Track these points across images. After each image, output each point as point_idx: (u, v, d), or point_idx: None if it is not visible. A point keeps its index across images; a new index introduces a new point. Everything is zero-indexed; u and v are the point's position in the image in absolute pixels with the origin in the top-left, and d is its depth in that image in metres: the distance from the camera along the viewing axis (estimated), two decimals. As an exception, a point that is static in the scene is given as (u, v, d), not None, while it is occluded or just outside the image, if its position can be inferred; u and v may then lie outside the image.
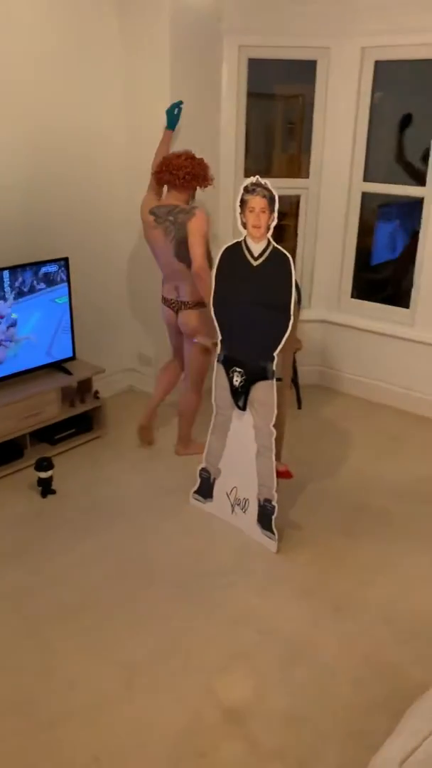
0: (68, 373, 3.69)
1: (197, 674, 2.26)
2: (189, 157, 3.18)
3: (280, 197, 2.62)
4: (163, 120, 3.58)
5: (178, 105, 3.50)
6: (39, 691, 2.17)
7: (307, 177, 4.24)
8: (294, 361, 4.16)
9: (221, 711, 2.12)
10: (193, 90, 3.80)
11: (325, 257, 4.36)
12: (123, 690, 2.19)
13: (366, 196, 4.21)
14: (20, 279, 3.36)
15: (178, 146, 3.83)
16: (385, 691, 2.19)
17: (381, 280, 4.98)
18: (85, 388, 3.79)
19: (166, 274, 3.35)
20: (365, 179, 4.14)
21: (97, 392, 3.83)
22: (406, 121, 4.18)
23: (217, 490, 3.12)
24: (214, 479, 3.12)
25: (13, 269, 3.32)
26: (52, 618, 2.49)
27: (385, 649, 2.38)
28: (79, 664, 2.29)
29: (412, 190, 4.01)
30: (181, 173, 3.13)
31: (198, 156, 3.24)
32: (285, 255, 2.63)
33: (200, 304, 3.24)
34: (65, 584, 2.67)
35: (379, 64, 3.91)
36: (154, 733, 2.04)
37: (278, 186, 2.67)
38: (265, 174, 2.82)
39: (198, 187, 3.26)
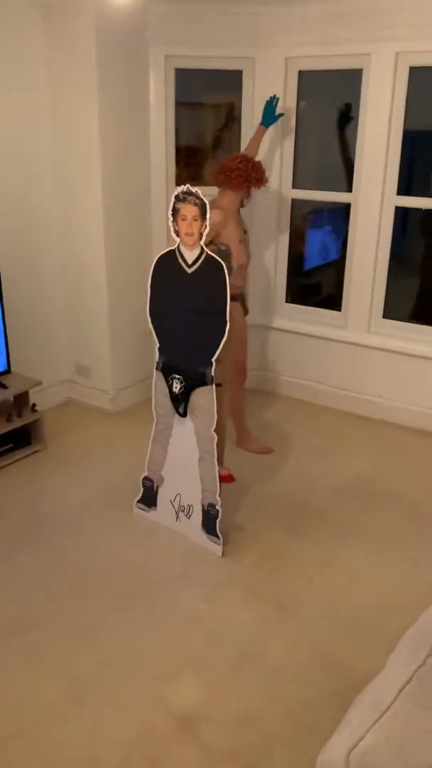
0: (3, 387, 3.62)
1: (147, 683, 2.25)
2: (244, 160, 3.34)
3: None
4: (90, 132, 3.57)
5: (275, 99, 3.69)
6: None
7: (238, 185, 4.29)
8: (233, 366, 4.22)
9: (172, 718, 2.12)
10: (121, 100, 3.82)
11: (259, 263, 4.43)
12: (72, 705, 2.16)
13: (297, 203, 4.31)
14: None
15: (108, 152, 3.84)
16: (333, 685, 2.24)
17: (314, 285, 5.10)
18: (21, 401, 3.73)
19: None
20: (294, 186, 4.23)
21: (34, 405, 3.77)
22: (344, 118, 4.28)
23: (161, 497, 3.12)
24: (158, 487, 3.12)
25: None
26: (-4, 637, 2.43)
27: (330, 644, 2.43)
28: (25, 682, 2.25)
29: (339, 197, 4.13)
30: (234, 174, 3.29)
31: (249, 158, 3.38)
32: (218, 262, 2.66)
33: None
34: (7, 601, 2.62)
35: (303, 74, 4.01)
36: (105, 746, 2.02)
37: (211, 194, 2.70)
38: (199, 182, 2.85)
39: (253, 188, 3.42)
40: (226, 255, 3.18)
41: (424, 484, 3.50)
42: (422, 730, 1.54)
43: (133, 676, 2.28)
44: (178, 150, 4.26)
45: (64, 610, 2.58)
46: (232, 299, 3.16)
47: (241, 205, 3.45)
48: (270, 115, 3.72)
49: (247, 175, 3.32)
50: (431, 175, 5.60)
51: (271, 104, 3.71)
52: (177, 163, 4.23)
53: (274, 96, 3.73)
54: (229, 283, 3.07)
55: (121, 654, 2.37)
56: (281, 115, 3.78)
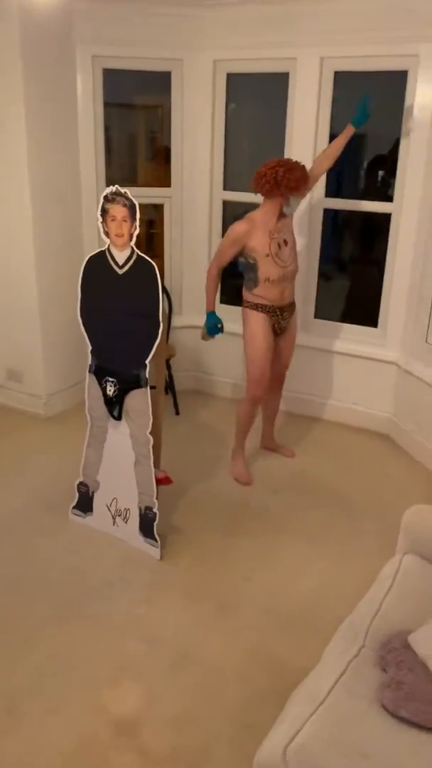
0: None
1: (85, 691, 2.22)
2: (277, 165, 3.09)
3: (148, 206, 2.64)
4: (17, 133, 3.49)
5: (366, 98, 3.26)
6: None
7: (170, 186, 4.29)
8: (168, 368, 4.20)
9: (111, 724, 2.10)
10: (48, 99, 3.75)
11: (193, 264, 4.44)
12: (5, 719, 2.11)
13: (229, 205, 4.33)
14: None
15: (36, 153, 3.76)
16: (271, 682, 2.26)
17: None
18: None
19: None
20: (225, 188, 4.26)
21: (-36, 412, 3.65)
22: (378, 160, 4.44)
23: (97, 502, 3.07)
24: (93, 492, 3.08)
25: None
26: None
27: (268, 641, 2.45)
28: (-42, 698, 2.17)
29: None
30: (262, 181, 3.12)
31: (284, 160, 3.14)
32: (150, 263, 2.64)
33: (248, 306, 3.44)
34: None
35: (231, 77, 4.04)
36: (43, 758, 1.98)
37: (143, 195, 2.69)
38: (131, 183, 2.83)
39: (291, 196, 3.14)
40: (249, 267, 3.23)
41: (357, 480, 3.58)
42: (356, 719, 1.58)
43: (70, 686, 2.24)
44: (109, 151, 4.21)
45: (-2, 621, 2.51)
46: (256, 309, 3.31)
47: (281, 214, 3.20)
48: (362, 115, 3.29)
49: (277, 182, 3.07)
50: (361, 176, 5.76)
51: (364, 103, 3.28)
52: (108, 164, 4.19)
53: (365, 94, 3.30)
54: (254, 294, 3.31)
55: (57, 664, 2.33)
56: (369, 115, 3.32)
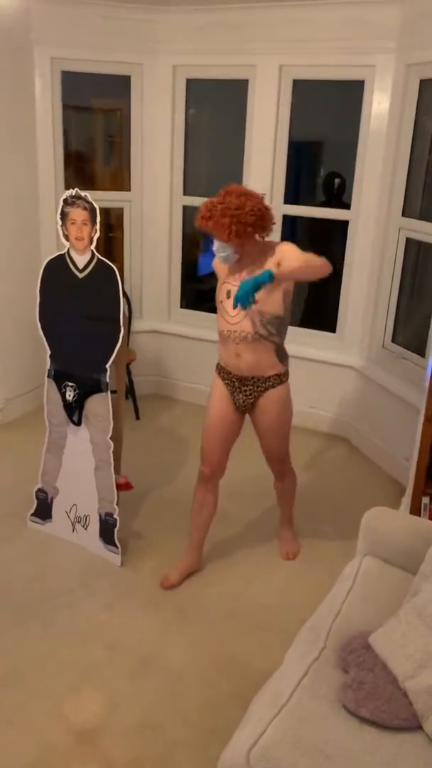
0: None
1: (45, 700, 2.18)
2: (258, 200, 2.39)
3: (106, 210, 2.63)
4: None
5: (248, 286, 2.30)
6: None
7: (130, 190, 4.28)
8: (128, 372, 4.18)
9: (73, 734, 2.07)
10: (5, 102, 3.69)
11: (153, 268, 4.43)
12: (-36, 731, 2.06)
13: (189, 210, 4.34)
14: None
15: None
16: (233, 686, 2.26)
17: (208, 290, 5.16)
18: None
19: None
20: (185, 193, 4.26)
21: None
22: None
23: (56, 509, 3.03)
24: (52, 498, 3.04)
25: None
26: None
27: (230, 645, 2.45)
28: None
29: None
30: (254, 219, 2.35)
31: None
32: (110, 267, 2.63)
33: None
34: None
35: (191, 82, 4.06)
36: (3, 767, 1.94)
37: (102, 198, 2.68)
38: (90, 187, 2.81)
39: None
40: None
41: (316, 484, 3.62)
42: (318, 720, 1.59)
43: (29, 696, 2.20)
44: (68, 154, 4.18)
45: None
46: (216, 368, 2.67)
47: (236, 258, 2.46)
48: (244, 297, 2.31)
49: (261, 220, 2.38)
50: (318, 183, 5.84)
51: (246, 289, 2.30)
52: (66, 167, 4.15)
53: (246, 280, 2.33)
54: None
55: (15, 674, 2.28)
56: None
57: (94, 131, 4.85)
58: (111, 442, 2.81)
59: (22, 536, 3.05)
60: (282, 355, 2.59)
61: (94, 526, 2.92)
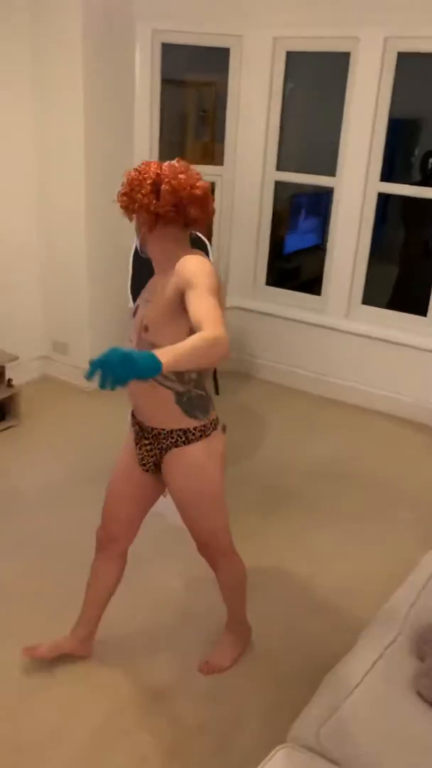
0: (-21, 361, 3.57)
1: (120, 657, 2.27)
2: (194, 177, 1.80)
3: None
4: (74, 106, 3.48)
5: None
6: None
7: (222, 165, 4.27)
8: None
9: (145, 691, 2.15)
10: (106, 76, 3.75)
11: (241, 244, 4.42)
12: (42, 679, 2.17)
13: (280, 186, 4.29)
14: None
15: (92, 126, 3.76)
16: (302, 663, 2.28)
17: (294, 268, 5.11)
18: (-3, 376, 3.69)
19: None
20: (278, 168, 4.22)
21: (10, 380, 3.73)
22: None
23: (137, 476, 3.11)
24: (133, 466, 3.10)
25: None
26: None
27: (300, 624, 2.47)
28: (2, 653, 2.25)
29: (323, 180, 4.12)
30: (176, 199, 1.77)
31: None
32: (202, 241, 2.65)
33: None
34: None
35: (291, 55, 3.98)
36: (76, 718, 2.04)
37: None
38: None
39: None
40: None
41: (393, 468, 3.55)
42: (390, 703, 1.59)
43: (105, 650, 2.29)
44: (161, 128, 4.20)
45: (36, 585, 2.58)
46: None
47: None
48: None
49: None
50: (412, 162, 5.65)
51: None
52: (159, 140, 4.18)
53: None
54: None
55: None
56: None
57: (187, 105, 4.86)
58: (193, 415, 2.84)
59: (102, 499, 3.14)
60: (192, 407, 1.83)
61: (173, 495, 2.97)
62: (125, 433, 3.09)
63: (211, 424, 1.89)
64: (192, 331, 1.58)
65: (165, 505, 3.02)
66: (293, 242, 5.19)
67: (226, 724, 2.05)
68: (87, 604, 2.19)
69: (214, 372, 4.31)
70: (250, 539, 2.89)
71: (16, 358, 3.74)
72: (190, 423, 1.84)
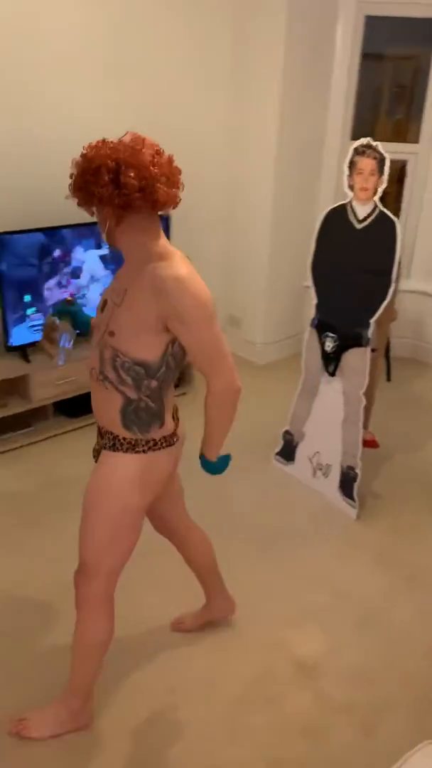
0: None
1: (270, 627, 2.32)
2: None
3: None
4: (272, 78, 3.48)
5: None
6: (118, 624, 2.28)
7: (417, 142, 4.08)
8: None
9: (292, 663, 2.18)
10: (306, 48, 3.72)
11: (429, 226, 4.22)
12: (197, 630, 2.28)
13: None
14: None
15: (288, 102, 3.76)
16: (459, 665, 2.18)
17: None
18: (176, 344, 3.86)
19: None
20: None
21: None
22: None
23: (300, 453, 3.14)
24: (297, 442, 3.14)
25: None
26: (133, 554, 2.59)
27: (461, 625, 2.36)
28: (156, 601, 2.39)
29: None
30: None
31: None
32: (391, 219, 2.57)
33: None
34: (145, 526, 2.77)
35: None
36: (225, 676, 2.12)
37: (385, 150, 2.59)
38: (372, 138, 2.74)
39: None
40: None
41: None
42: None
43: (256, 619, 2.35)
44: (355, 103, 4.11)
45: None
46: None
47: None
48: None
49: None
50: None
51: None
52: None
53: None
54: None
55: (247, 594, 2.44)
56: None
57: (382, 81, 4.68)
58: (363, 398, 2.80)
59: (265, 472, 3.21)
60: (131, 420, 1.64)
61: (335, 476, 2.96)
62: (291, 410, 3.12)
63: (147, 442, 1.66)
64: (167, 346, 1.56)
65: (324, 484, 3.02)
66: None
67: (373, 708, 2.03)
68: (199, 580, 2.21)
69: (388, 357, 4.18)
70: (410, 530, 2.80)
71: (194, 328, 3.89)
72: (122, 432, 1.66)
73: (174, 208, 1.57)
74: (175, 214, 3.73)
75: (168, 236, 3.60)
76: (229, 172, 4.09)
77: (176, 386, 3.35)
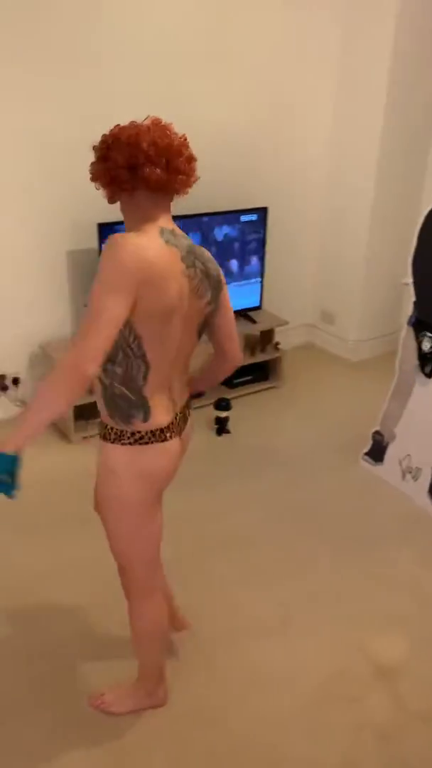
0: (253, 321, 3.78)
1: (350, 627, 2.29)
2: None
3: None
4: (380, 66, 3.41)
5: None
6: (202, 612, 2.32)
7: None
8: None
9: (372, 666, 2.15)
10: (416, 38, 3.60)
11: None
12: (278, 624, 2.29)
13: None
14: (222, 226, 3.48)
15: (396, 96, 3.67)
16: None
17: None
18: (266, 338, 3.87)
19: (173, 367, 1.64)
20: None
21: (277, 344, 3.89)
22: None
23: (389, 454, 3.07)
24: (387, 443, 3.07)
25: (214, 216, 3.44)
26: (217, 545, 2.64)
27: None
28: (240, 591, 2.42)
29: None
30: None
31: None
32: None
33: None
34: (231, 518, 2.81)
35: None
36: (304, 670, 2.12)
37: None
38: None
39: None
40: None
41: None
42: None
43: (337, 617, 2.33)
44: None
45: (278, 537, 2.70)
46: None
47: None
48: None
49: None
50: None
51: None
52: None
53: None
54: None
55: (329, 593, 2.43)
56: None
57: None
58: (460, 401, 2.71)
59: (352, 472, 3.17)
60: (110, 406, 1.59)
61: (425, 480, 2.88)
62: (382, 410, 3.06)
63: (132, 434, 1.58)
64: (132, 329, 1.46)
65: (413, 488, 2.94)
66: None
67: (453, 721, 1.97)
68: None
69: None
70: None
71: (285, 323, 3.89)
72: (109, 421, 1.61)
73: (181, 194, 1.53)
74: (273, 206, 3.73)
75: (264, 228, 3.62)
76: (330, 166, 4.04)
77: (229, 382, 3.21)
